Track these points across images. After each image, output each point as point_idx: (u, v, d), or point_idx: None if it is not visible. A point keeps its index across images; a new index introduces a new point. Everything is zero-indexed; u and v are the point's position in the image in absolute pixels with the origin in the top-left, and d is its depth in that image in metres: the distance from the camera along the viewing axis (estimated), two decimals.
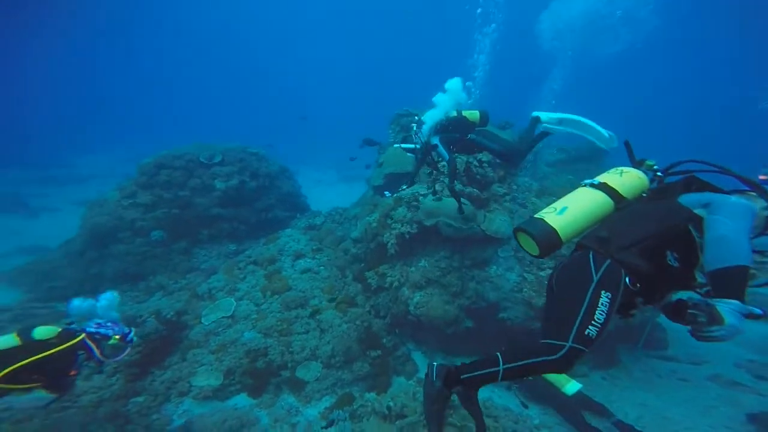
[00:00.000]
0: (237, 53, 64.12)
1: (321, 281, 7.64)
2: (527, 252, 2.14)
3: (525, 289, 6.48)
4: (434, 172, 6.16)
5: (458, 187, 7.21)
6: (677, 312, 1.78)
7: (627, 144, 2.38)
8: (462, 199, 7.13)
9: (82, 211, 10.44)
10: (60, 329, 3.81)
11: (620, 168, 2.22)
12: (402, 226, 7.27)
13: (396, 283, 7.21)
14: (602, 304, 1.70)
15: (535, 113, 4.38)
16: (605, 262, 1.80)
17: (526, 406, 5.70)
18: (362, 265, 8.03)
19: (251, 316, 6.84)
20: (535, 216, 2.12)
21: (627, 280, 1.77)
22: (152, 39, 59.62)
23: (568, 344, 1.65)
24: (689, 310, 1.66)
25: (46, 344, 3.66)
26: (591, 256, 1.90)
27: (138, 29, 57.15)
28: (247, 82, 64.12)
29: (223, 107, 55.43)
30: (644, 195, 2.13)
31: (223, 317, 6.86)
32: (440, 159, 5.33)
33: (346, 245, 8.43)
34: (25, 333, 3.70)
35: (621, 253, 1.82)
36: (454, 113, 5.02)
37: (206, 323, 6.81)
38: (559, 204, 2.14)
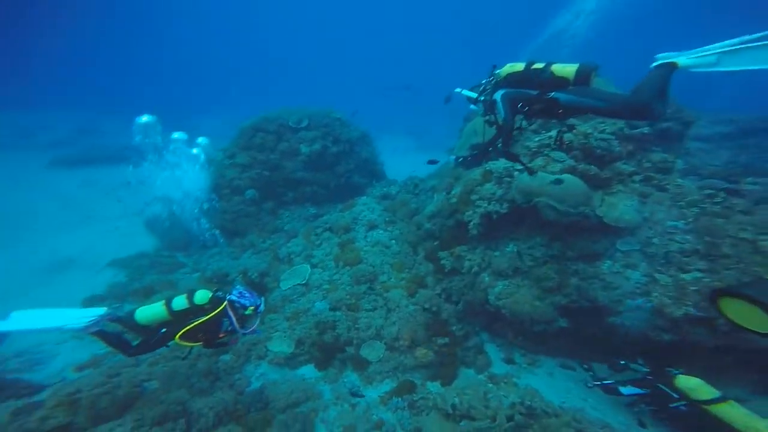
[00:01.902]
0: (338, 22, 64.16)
1: (391, 256, 6.98)
2: (739, 325, 0.98)
3: (655, 293, 4.83)
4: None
5: (569, 162, 5.59)
6: None
7: None
8: (572, 177, 5.52)
9: None
10: (211, 294, 3.96)
11: None
12: (489, 204, 6.02)
13: (475, 268, 6.15)
14: None
15: (662, 58, 2.85)
16: None
17: (643, 425, 4.30)
18: (435, 243, 7.09)
19: (323, 286, 6.59)
20: None
21: None
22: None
23: None
24: None
25: (203, 309, 3.88)
26: None
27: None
28: (340, 47, 64.07)
29: (317, 71, 56.69)
30: None
31: (298, 284, 6.74)
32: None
33: (419, 219, 7.53)
34: (190, 296, 3.93)
35: None
36: (540, 65, 3.46)
37: (284, 288, 6.80)
38: None
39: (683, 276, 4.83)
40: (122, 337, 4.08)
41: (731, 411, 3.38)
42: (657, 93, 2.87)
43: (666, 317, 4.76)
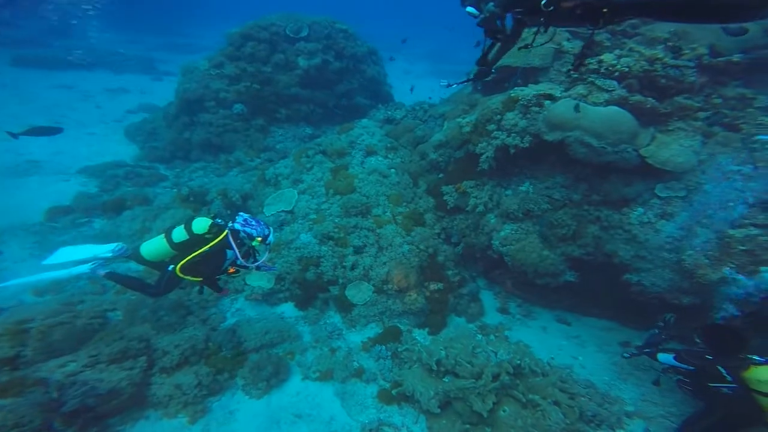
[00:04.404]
0: None
1: (389, 187, 5.71)
2: None
3: (690, 251, 3.73)
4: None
5: (619, 92, 4.05)
6: None
7: None
8: (619, 109, 4.00)
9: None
10: (210, 222, 3.25)
11: None
12: (508, 136, 4.57)
13: (481, 207, 4.99)
14: None
15: None
16: None
17: (657, 384, 3.57)
18: (440, 176, 5.78)
19: (310, 215, 5.42)
20: None
21: None
22: None
23: None
24: None
25: (204, 239, 3.22)
26: None
27: None
28: None
29: None
30: None
31: (283, 210, 5.55)
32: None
33: (424, 148, 6.08)
34: (188, 225, 3.25)
35: None
36: None
37: (267, 214, 5.64)
38: None
39: (732, 233, 3.67)
40: (139, 279, 3.55)
41: None
42: None
43: (698, 280, 3.73)
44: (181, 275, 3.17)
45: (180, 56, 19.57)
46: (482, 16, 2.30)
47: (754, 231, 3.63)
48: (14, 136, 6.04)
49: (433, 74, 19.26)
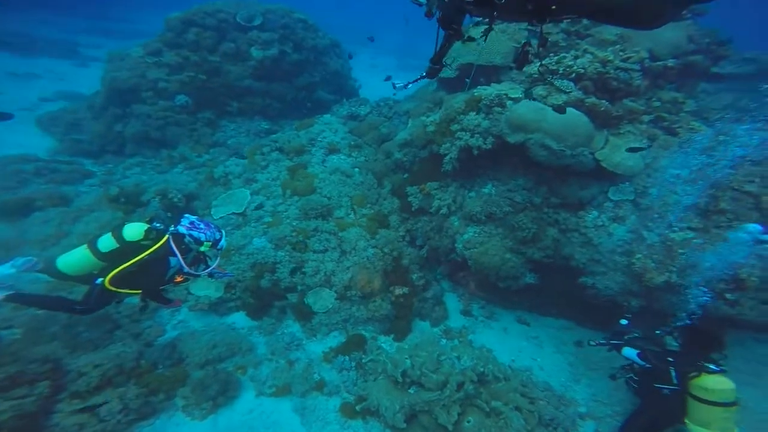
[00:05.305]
0: None
1: (352, 188, 5.57)
2: None
3: (639, 255, 4.05)
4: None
5: (576, 94, 4.28)
6: None
7: None
8: (576, 112, 4.26)
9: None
10: (146, 227, 2.93)
11: None
12: (471, 137, 4.67)
13: (445, 210, 5.05)
14: None
15: None
16: None
17: (614, 378, 3.71)
18: (405, 176, 5.78)
19: (264, 218, 5.10)
20: None
21: None
22: None
23: None
24: None
25: (140, 246, 2.91)
26: None
27: None
28: None
29: None
30: None
31: (233, 213, 5.15)
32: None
33: (388, 147, 6.05)
34: (117, 232, 2.92)
35: None
36: None
37: (215, 216, 5.20)
38: None
39: (673, 235, 4.07)
40: (57, 296, 3.17)
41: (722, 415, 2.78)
42: None
43: (645, 283, 4.05)
44: (112, 288, 2.78)
45: (112, 41, 17.73)
46: (436, 4, 2.25)
47: (691, 234, 4.05)
48: None
49: (399, 68, 19.47)
